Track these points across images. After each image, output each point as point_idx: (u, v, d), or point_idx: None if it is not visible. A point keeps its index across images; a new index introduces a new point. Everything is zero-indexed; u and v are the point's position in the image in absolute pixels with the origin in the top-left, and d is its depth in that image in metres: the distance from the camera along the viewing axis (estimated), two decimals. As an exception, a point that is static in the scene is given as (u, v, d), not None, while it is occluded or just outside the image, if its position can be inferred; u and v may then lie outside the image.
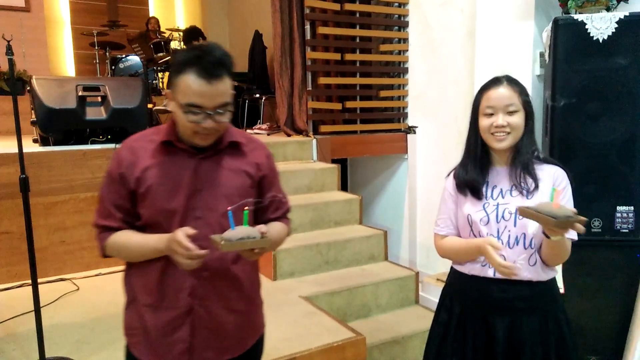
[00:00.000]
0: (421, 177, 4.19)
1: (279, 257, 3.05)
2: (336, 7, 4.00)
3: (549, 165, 1.59)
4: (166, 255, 1.28)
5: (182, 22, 7.71)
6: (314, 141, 4.00)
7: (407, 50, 4.23)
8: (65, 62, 6.93)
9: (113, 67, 5.75)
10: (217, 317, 1.36)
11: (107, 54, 5.88)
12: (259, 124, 5.20)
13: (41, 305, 2.08)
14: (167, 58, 5.60)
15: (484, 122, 1.56)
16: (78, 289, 2.83)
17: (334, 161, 3.94)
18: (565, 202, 1.53)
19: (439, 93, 3.93)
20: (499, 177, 1.60)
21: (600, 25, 2.38)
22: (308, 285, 2.99)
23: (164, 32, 6.21)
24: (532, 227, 1.52)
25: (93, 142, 3.24)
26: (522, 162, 1.56)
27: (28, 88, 3.22)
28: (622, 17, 2.36)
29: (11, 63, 1.98)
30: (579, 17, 2.43)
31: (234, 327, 1.40)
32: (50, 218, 2.99)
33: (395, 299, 3.18)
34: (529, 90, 1.63)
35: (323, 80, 4.05)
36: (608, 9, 2.52)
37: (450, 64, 3.77)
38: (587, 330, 2.49)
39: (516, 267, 1.49)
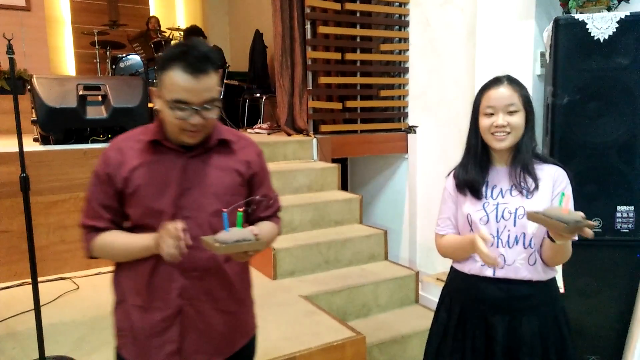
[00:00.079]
0: (421, 176, 4.19)
1: (279, 256, 3.05)
2: (337, 6, 3.99)
3: (549, 165, 1.59)
4: (156, 255, 1.27)
5: (183, 22, 7.71)
6: (315, 141, 4.00)
7: (408, 50, 4.22)
8: (66, 61, 6.93)
9: (113, 67, 5.74)
10: (207, 317, 1.35)
11: (108, 53, 5.87)
12: (260, 123, 5.21)
13: (41, 304, 2.08)
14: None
15: (484, 121, 1.56)
16: (78, 288, 2.83)
17: (334, 160, 3.94)
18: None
19: (439, 93, 3.93)
20: (499, 177, 1.60)
21: (601, 25, 2.38)
22: (308, 285, 2.99)
23: (165, 32, 6.20)
24: (532, 227, 1.52)
25: (93, 141, 3.24)
26: (522, 162, 1.56)
27: (28, 87, 3.22)
28: (623, 17, 2.36)
29: (12, 62, 1.98)
30: (579, 16, 2.42)
31: (225, 327, 1.38)
32: (50, 217, 2.99)
33: (395, 298, 3.18)
34: (530, 90, 1.63)
35: (323, 80, 4.05)
36: (609, 9, 2.52)
37: (450, 63, 3.77)
38: (587, 330, 2.49)
39: (498, 260, 1.49)
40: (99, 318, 2.44)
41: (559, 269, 1.65)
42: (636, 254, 2.45)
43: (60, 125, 3.13)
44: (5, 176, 2.84)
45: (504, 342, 1.56)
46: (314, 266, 3.18)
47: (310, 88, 4.04)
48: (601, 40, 2.38)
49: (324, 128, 4.05)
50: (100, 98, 3.24)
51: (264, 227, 1.41)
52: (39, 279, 2.11)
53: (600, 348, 2.52)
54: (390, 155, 4.40)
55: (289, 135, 4.15)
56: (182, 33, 6.16)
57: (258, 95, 5.57)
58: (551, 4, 2.84)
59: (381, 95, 4.24)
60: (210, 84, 1.24)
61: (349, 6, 4.02)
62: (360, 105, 4.22)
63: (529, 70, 2.93)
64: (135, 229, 1.33)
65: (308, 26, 3.95)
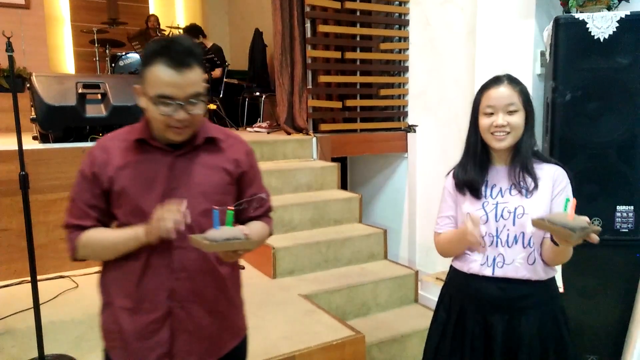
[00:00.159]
0: (421, 176, 4.19)
1: (278, 255, 3.05)
2: (337, 5, 3.99)
3: (549, 165, 1.59)
4: (145, 256, 1.26)
5: (182, 20, 7.70)
6: (314, 139, 4.00)
7: (408, 49, 4.22)
8: (65, 60, 6.92)
9: (113, 65, 5.73)
10: (197, 319, 1.32)
11: (107, 51, 5.86)
12: (259, 122, 5.20)
13: (40, 302, 2.08)
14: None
15: (484, 121, 1.56)
16: (77, 286, 2.83)
17: (333, 160, 3.94)
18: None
19: (439, 92, 3.92)
20: (499, 176, 1.60)
21: (601, 24, 2.37)
22: (307, 284, 2.99)
23: (164, 30, 6.20)
24: (531, 227, 1.52)
25: (93, 140, 3.24)
26: (521, 161, 1.56)
27: (28, 85, 3.21)
28: (623, 16, 2.36)
29: (11, 60, 1.98)
30: (580, 16, 2.42)
31: (215, 329, 1.36)
32: (49, 215, 2.99)
33: (395, 297, 3.19)
34: (530, 90, 1.63)
35: (323, 79, 4.05)
36: (609, 8, 2.51)
37: (450, 62, 3.77)
38: (587, 330, 2.50)
39: (483, 240, 1.49)
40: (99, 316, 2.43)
41: (558, 268, 1.65)
42: (636, 253, 2.45)
43: (60, 123, 3.13)
44: (5, 174, 2.84)
45: (503, 341, 1.56)
46: (313, 265, 3.18)
47: (310, 87, 4.03)
48: (601, 40, 2.38)
49: (323, 127, 4.05)
50: (99, 96, 3.23)
51: (255, 227, 1.38)
52: (38, 277, 2.11)
53: (599, 348, 2.52)
54: (389, 155, 4.40)
55: (289, 134, 4.15)
56: (181, 31, 6.15)
57: (258, 94, 5.57)
58: (551, 3, 2.83)
59: (381, 94, 4.24)
60: (195, 78, 1.22)
61: (348, 5, 4.01)
62: (360, 104, 4.22)
63: (529, 69, 2.92)
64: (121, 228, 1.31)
65: (308, 25, 3.95)
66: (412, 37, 4.18)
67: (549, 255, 1.53)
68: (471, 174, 1.60)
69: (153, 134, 1.30)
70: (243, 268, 3.42)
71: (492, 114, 1.54)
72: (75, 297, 2.71)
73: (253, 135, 4.48)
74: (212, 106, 5.23)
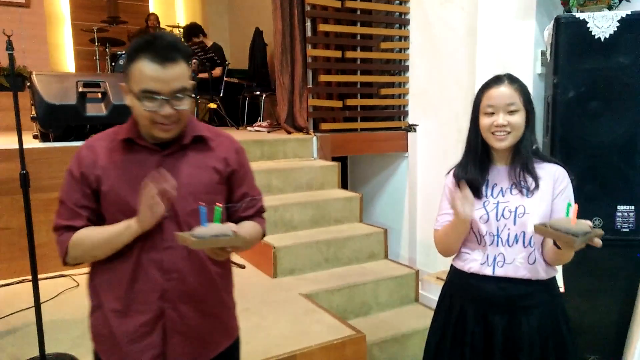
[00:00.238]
0: (421, 175, 4.19)
1: (278, 254, 3.05)
2: (337, 4, 3.99)
3: (550, 164, 1.59)
4: (135, 257, 1.25)
5: (182, 19, 7.70)
6: (315, 139, 4.00)
7: (408, 48, 4.22)
8: (65, 58, 6.93)
9: (113, 64, 5.73)
10: (189, 320, 1.31)
11: (107, 50, 5.87)
12: (259, 121, 5.20)
13: (41, 301, 2.08)
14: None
15: (484, 121, 1.56)
16: (78, 285, 2.83)
17: (334, 159, 3.93)
18: (567, 200, 1.53)
19: (439, 91, 3.92)
20: (499, 176, 1.60)
21: (602, 24, 2.37)
22: (308, 283, 2.99)
23: (164, 29, 6.20)
24: (532, 226, 1.52)
25: (93, 139, 3.23)
26: (522, 161, 1.56)
27: (28, 84, 3.21)
28: (624, 15, 2.36)
29: (11, 59, 1.97)
30: (580, 15, 2.42)
31: (207, 330, 1.35)
32: (50, 214, 2.95)
33: (395, 297, 3.19)
34: (530, 89, 1.62)
35: (323, 78, 4.05)
36: (610, 8, 2.51)
37: (451, 62, 3.77)
38: (587, 330, 2.49)
39: (467, 213, 1.48)
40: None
41: (559, 268, 1.65)
42: (636, 253, 2.45)
43: (60, 122, 3.13)
44: (5, 173, 2.84)
45: (503, 340, 1.56)
46: (314, 264, 3.18)
47: (311, 86, 4.03)
48: (602, 39, 2.38)
49: (324, 126, 4.05)
50: (100, 95, 3.23)
51: (245, 225, 1.37)
52: (39, 276, 2.11)
53: (600, 347, 2.52)
54: (390, 154, 4.40)
55: (289, 133, 4.15)
56: (181, 30, 6.15)
57: (258, 93, 5.57)
58: (552, 2, 2.83)
59: (381, 93, 4.24)
60: (180, 73, 1.21)
61: (349, 4, 4.01)
62: (361, 104, 4.22)
63: (530, 69, 2.92)
64: None
65: (308, 24, 3.95)
66: (412, 37, 4.18)
67: (551, 256, 1.53)
68: (472, 174, 1.60)
69: (140, 133, 1.29)
70: (243, 267, 3.43)
71: (492, 113, 1.54)
72: (76, 295, 2.71)
73: (253, 134, 4.48)
74: (213, 105, 5.23)
